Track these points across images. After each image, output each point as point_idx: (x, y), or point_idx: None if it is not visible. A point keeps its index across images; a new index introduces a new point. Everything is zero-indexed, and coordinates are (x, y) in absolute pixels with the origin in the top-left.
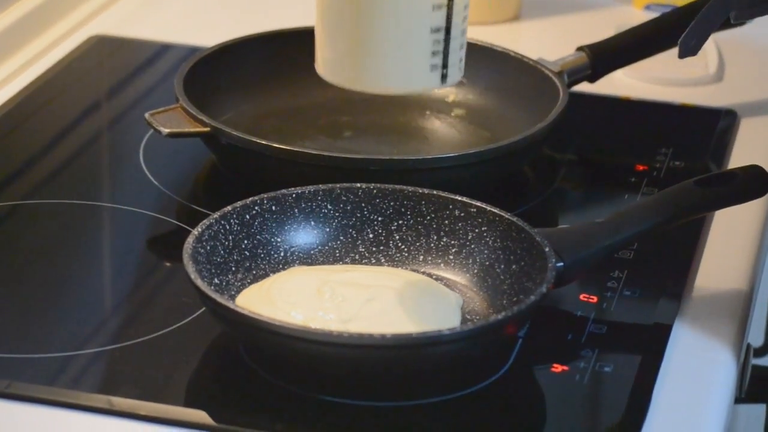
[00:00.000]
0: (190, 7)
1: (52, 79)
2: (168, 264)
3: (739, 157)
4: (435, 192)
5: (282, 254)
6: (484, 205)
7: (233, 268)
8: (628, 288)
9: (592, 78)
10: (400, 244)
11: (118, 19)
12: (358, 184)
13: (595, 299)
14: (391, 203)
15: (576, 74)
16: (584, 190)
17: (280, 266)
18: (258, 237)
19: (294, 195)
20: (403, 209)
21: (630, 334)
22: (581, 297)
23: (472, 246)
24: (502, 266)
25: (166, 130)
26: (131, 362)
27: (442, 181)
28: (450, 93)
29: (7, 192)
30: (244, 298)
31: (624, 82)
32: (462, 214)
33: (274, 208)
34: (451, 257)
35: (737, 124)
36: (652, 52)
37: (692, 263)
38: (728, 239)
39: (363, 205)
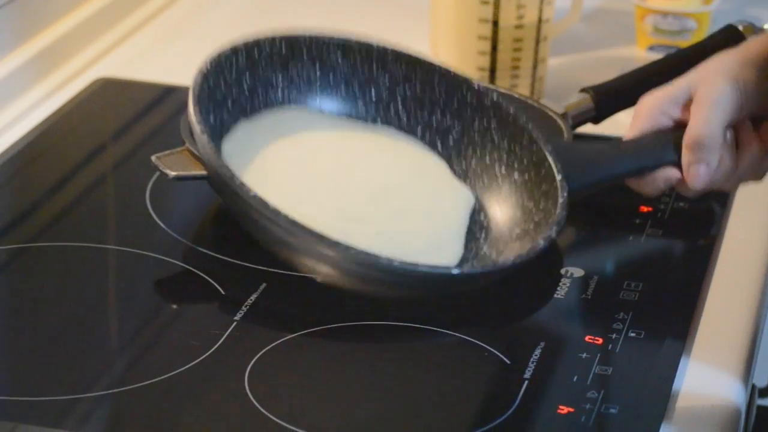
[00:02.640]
0: (194, 50)
1: (58, 121)
2: (174, 306)
3: (741, 197)
4: (452, 71)
5: (280, 95)
6: (499, 101)
7: (229, 107)
8: (633, 329)
9: (597, 119)
10: (400, 110)
11: (123, 61)
12: (373, 42)
13: (600, 341)
14: (403, 67)
15: (580, 116)
16: (588, 231)
17: (275, 107)
18: (260, 74)
19: (308, 38)
20: (413, 76)
21: (635, 375)
22: (587, 338)
23: (476, 137)
24: (503, 170)
25: (172, 173)
26: (137, 405)
27: None
28: None
29: (14, 234)
30: (232, 144)
31: (628, 124)
32: (473, 102)
33: (284, 49)
34: (451, 142)
35: None
36: None
37: (697, 304)
38: (732, 279)
39: (373, 62)
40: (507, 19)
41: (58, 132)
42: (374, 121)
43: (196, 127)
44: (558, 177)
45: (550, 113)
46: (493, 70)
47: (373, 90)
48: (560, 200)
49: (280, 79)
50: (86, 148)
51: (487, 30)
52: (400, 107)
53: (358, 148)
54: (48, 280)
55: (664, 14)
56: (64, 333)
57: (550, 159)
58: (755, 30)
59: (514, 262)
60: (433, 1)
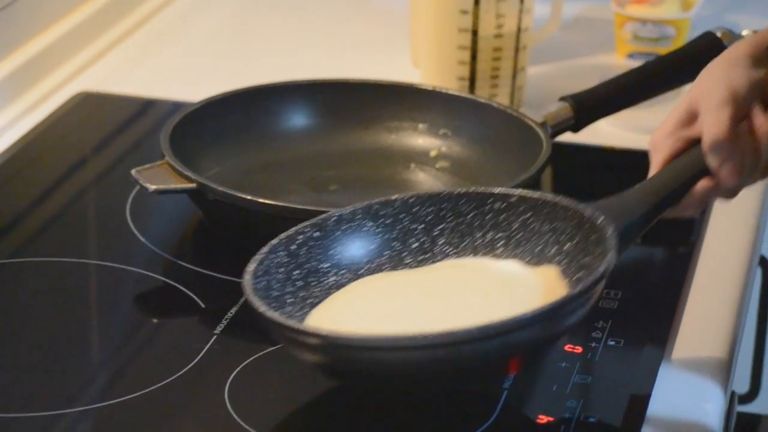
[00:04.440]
0: (174, 64)
1: (38, 135)
2: (155, 320)
3: (720, 204)
4: (472, 189)
5: (332, 279)
6: (524, 192)
7: (290, 300)
8: (612, 338)
9: (576, 128)
10: (445, 248)
11: (103, 75)
12: (394, 196)
13: (579, 350)
14: (430, 209)
15: (559, 124)
16: None
17: (332, 291)
18: (306, 265)
19: (334, 218)
20: (442, 213)
21: (615, 384)
22: (566, 348)
23: (519, 235)
24: (554, 248)
25: (152, 187)
26: (119, 420)
27: None
28: (434, 146)
29: None
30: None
31: (608, 132)
32: (503, 206)
33: (316, 234)
34: (500, 250)
35: None
36: (635, 101)
37: (676, 312)
38: (712, 286)
39: (402, 216)
40: (486, 28)
41: (38, 146)
42: (423, 264)
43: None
44: (599, 219)
45: (530, 122)
46: (472, 80)
47: (412, 239)
48: (608, 234)
49: (326, 264)
50: (67, 162)
51: (466, 40)
52: (443, 244)
53: (434, 285)
54: (29, 295)
55: (644, 22)
56: (45, 348)
57: (587, 212)
58: (734, 36)
59: (579, 289)
60: (412, 12)
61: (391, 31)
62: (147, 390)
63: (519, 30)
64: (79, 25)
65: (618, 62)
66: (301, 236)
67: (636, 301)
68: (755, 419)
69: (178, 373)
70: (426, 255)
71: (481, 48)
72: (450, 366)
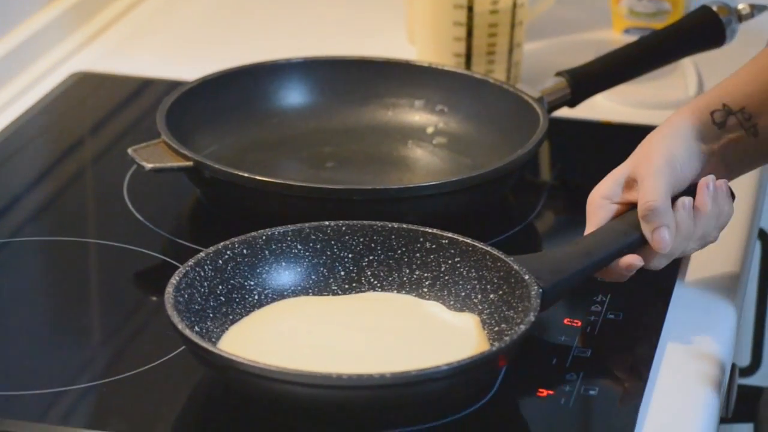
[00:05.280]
0: (171, 42)
1: (35, 116)
2: (154, 299)
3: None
4: (405, 226)
5: (256, 297)
6: (456, 236)
7: (211, 315)
8: (611, 311)
9: (572, 103)
10: (372, 280)
11: (100, 55)
12: (327, 222)
13: (578, 323)
14: (361, 239)
15: (556, 100)
16: (567, 214)
17: (255, 309)
18: (231, 282)
19: (264, 237)
20: (372, 245)
21: (614, 357)
22: (565, 321)
23: (446, 278)
24: (479, 296)
25: (149, 165)
26: (119, 397)
27: (424, 209)
28: (431, 122)
29: None
30: (228, 343)
31: (604, 106)
32: (433, 246)
33: (245, 251)
34: (425, 290)
35: None
36: (631, 76)
37: (675, 284)
38: (711, 259)
39: (332, 242)
40: (481, 4)
41: (35, 126)
42: (348, 293)
43: (187, 333)
44: (526, 276)
45: (526, 98)
46: (468, 56)
47: (339, 267)
48: (533, 292)
49: (251, 282)
50: (64, 142)
51: (462, 16)
52: (369, 275)
53: (352, 315)
54: (28, 274)
55: None
56: (46, 327)
57: (516, 266)
58: (729, 10)
59: (498, 347)
60: None
61: (387, 8)
62: (147, 367)
63: (514, 5)
64: (75, 5)
65: (614, 37)
66: (228, 252)
67: (634, 274)
68: (756, 392)
69: (178, 350)
70: (352, 284)
71: (476, 24)
72: (356, 407)
